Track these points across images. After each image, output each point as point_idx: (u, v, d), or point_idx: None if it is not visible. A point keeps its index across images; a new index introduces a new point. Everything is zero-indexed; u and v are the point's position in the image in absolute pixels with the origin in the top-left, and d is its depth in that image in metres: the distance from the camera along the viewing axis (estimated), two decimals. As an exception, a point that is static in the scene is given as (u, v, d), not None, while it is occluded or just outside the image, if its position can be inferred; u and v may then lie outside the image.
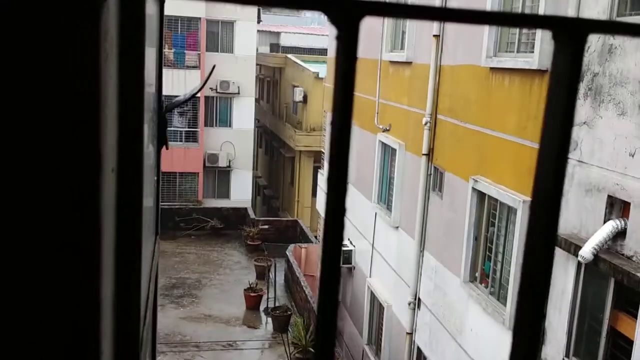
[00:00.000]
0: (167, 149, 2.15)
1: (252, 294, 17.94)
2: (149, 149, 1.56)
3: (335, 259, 0.43)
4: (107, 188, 0.63)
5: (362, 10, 0.40)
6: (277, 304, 17.66)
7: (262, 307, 18.01)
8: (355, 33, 0.40)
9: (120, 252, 0.78)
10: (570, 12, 6.96)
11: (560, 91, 0.45)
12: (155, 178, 1.99)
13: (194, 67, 25.83)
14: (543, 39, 7.50)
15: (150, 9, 1.50)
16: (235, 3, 0.39)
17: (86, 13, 0.50)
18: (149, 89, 1.57)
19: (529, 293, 0.47)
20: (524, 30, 8.25)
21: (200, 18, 25.76)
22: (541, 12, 7.51)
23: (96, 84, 0.53)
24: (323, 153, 18.59)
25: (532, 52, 7.82)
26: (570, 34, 0.45)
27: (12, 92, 0.51)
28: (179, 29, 25.89)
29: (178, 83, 24.57)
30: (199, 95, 25.63)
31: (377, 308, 13.37)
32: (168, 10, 24.26)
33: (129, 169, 0.79)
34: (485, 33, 8.81)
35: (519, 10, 8.31)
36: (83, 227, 0.56)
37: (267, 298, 17.91)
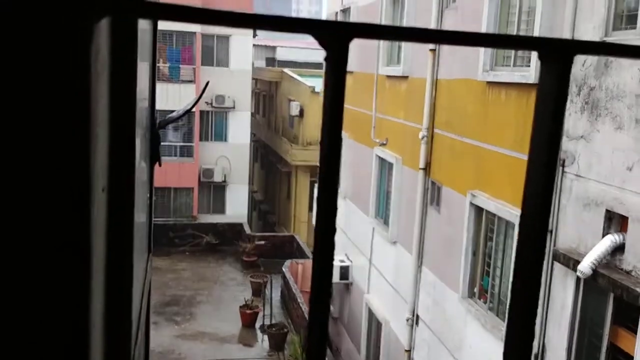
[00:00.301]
0: (159, 165, 2.11)
1: (248, 311, 17.79)
2: (141, 166, 1.54)
3: (326, 274, 0.43)
4: (98, 208, 0.61)
5: (350, 32, 0.41)
6: (273, 321, 17.52)
7: (258, 325, 17.86)
8: (344, 55, 0.41)
9: (111, 272, 0.76)
10: (566, 27, 6.98)
11: (547, 111, 0.46)
12: (148, 195, 1.95)
13: (189, 82, 25.86)
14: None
15: (144, 23, 1.48)
16: (227, 26, 0.38)
17: (78, 33, 0.50)
18: (142, 104, 1.55)
19: (520, 304, 0.48)
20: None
21: (195, 32, 25.84)
22: (537, 25, 7.53)
23: (86, 103, 0.53)
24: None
25: (529, 66, 7.84)
26: (557, 55, 0.46)
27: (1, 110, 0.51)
28: (174, 43, 25.96)
29: (173, 97, 24.57)
30: (194, 110, 25.63)
31: (375, 325, 13.27)
32: (163, 25, 24.36)
33: (120, 188, 0.79)
34: (482, 47, 8.81)
35: (516, 22, 8.34)
36: (72, 247, 0.55)
37: (263, 315, 17.77)
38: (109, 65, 0.70)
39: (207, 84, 4.13)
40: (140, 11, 0.38)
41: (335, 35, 0.40)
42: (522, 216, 0.49)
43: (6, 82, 0.50)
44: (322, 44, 0.40)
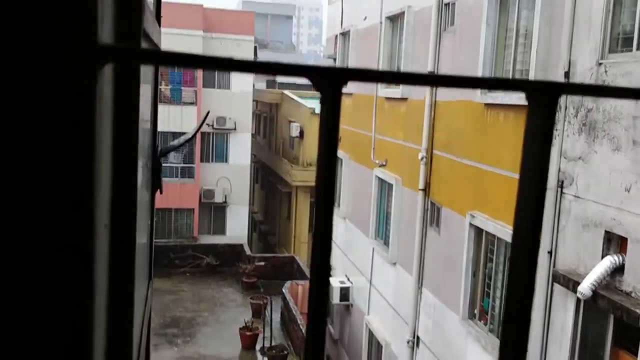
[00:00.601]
0: (161, 192, 2.14)
1: (248, 333, 17.68)
2: (142, 194, 1.56)
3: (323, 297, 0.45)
4: (100, 245, 0.63)
5: (344, 76, 0.42)
6: (273, 343, 17.40)
7: (258, 347, 17.73)
8: (337, 98, 0.42)
9: (112, 305, 0.77)
10: (563, 50, 7.05)
11: (534, 149, 0.48)
12: (149, 222, 1.97)
13: (191, 104, 26.00)
14: (537, 76, 7.58)
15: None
16: (226, 71, 0.40)
17: (83, 78, 0.52)
18: (144, 133, 1.58)
19: (513, 323, 0.49)
20: (518, 67, 8.35)
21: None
22: (533, 48, 7.61)
23: (90, 142, 0.54)
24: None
25: (526, 88, 7.88)
26: (542, 97, 0.48)
27: (4, 148, 0.52)
28: (175, 66, 26.11)
29: (175, 119, 24.69)
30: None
31: (375, 346, 13.19)
32: (164, 47, 24.47)
33: (122, 225, 0.80)
34: (480, 69, 8.91)
35: (513, 45, 8.42)
36: (74, 285, 0.56)
37: (263, 337, 17.65)
38: (112, 104, 0.72)
39: (207, 113, 4.21)
40: (141, 58, 0.40)
41: (330, 80, 0.42)
42: (511, 259, 0.50)
43: (16, 122, 0.52)
44: (317, 87, 0.42)
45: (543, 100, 0.48)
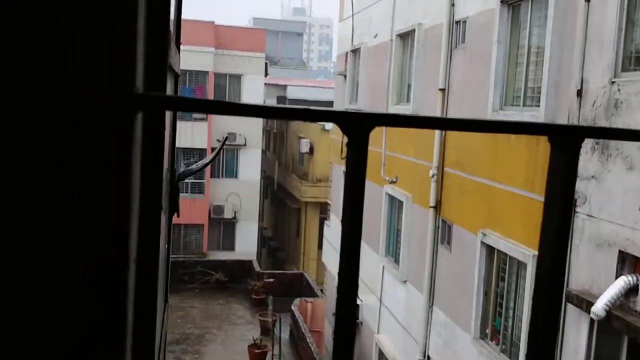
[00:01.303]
0: (178, 216, 2.13)
1: (257, 351, 17.58)
2: (162, 219, 1.58)
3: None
4: (130, 279, 0.64)
5: (371, 121, 0.44)
6: (282, 360, 17.28)
7: (266, 364, 17.63)
8: (364, 141, 0.44)
9: (136, 337, 0.77)
10: (575, 68, 7.02)
11: (557, 190, 0.48)
12: (166, 246, 1.97)
13: (201, 120, 26.15)
14: (549, 94, 7.55)
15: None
16: (246, 116, 0.40)
17: (123, 125, 0.55)
18: (164, 162, 1.60)
19: (538, 345, 0.49)
20: (530, 85, 8.33)
21: (208, 72, 26.23)
22: (545, 67, 7.58)
23: (127, 182, 0.57)
24: (329, 204, 18.56)
25: (538, 105, 7.87)
26: (566, 141, 0.48)
27: (46, 183, 0.55)
28: (187, 82, 26.35)
29: (185, 135, 24.83)
30: (205, 147, 25.83)
31: (384, 365, 13.05)
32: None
33: (147, 259, 0.81)
34: (491, 87, 8.89)
35: (525, 63, 8.40)
36: (110, 319, 0.59)
37: (272, 355, 17.53)
38: (141, 145, 0.74)
39: (226, 138, 4.24)
40: (167, 105, 0.40)
41: (358, 125, 0.42)
42: (534, 299, 0.51)
43: (62, 170, 0.55)
44: (345, 131, 0.43)
45: (566, 144, 0.48)
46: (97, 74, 0.52)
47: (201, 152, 26.22)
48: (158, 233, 0.92)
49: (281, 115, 0.40)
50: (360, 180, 0.42)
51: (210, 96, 26.34)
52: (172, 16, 1.84)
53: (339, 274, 0.44)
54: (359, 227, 0.42)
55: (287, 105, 0.41)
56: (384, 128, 13.40)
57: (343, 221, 0.43)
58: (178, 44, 2.06)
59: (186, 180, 26.62)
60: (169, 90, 1.57)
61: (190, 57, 25.11)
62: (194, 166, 3.15)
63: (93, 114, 0.52)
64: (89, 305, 0.56)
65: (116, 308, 0.57)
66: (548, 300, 0.49)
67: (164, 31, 0.91)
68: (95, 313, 0.56)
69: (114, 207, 0.55)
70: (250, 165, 27.69)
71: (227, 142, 26.81)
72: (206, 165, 3.22)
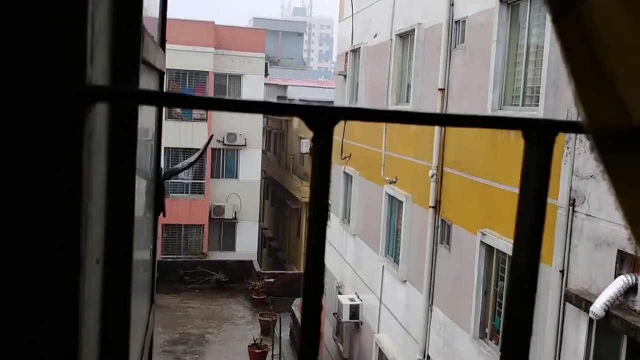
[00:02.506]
0: (164, 216, 2.13)
1: (257, 351, 17.58)
2: (145, 218, 1.56)
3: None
4: (90, 280, 0.63)
5: (336, 115, 0.43)
6: (282, 360, 17.29)
7: (267, 364, 17.64)
8: (329, 136, 0.44)
9: (106, 347, 0.76)
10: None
11: (531, 184, 0.48)
12: (151, 247, 1.97)
13: (201, 120, 26.15)
14: (548, 93, 7.55)
15: (148, 84, 1.53)
16: (223, 110, 0.40)
17: (70, 117, 0.53)
18: (147, 159, 1.58)
19: (513, 344, 0.49)
20: (529, 84, 8.33)
21: (207, 72, 26.23)
22: (544, 65, 7.58)
23: (77, 178, 0.54)
24: (330, 205, 18.54)
25: (537, 105, 7.87)
26: (539, 135, 0.48)
27: None
28: (187, 83, 26.35)
29: (185, 136, 24.83)
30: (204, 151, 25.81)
31: (384, 364, 13.06)
32: (176, 64, 24.80)
33: (116, 260, 0.80)
34: (490, 86, 8.89)
35: (524, 62, 8.40)
36: (60, 325, 0.55)
37: (272, 355, 17.54)
38: (108, 142, 0.73)
39: (211, 136, 4.28)
40: (126, 98, 0.40)
41: (322, 119, 0.42)
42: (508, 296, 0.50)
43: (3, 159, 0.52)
44: (310, 126, 0.43)
45: (541, 138, 0.48)
46: (40, 65, 0.50)
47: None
48: (130, 232, 0.91)
49: (242, 108, 0.40)
50: (325, 176, 0.42)
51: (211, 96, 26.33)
52: (155, 15, 1.84)
53: (305, 258, 0.44)
54: (325, 218, 0.42)
55: (249, 99, 0.41)
56: (383, 128, 13.40)
57: (310, 208, 0.43)
58: (163, 43, 2.06)
59: (186, 181, 26.64)
60: (149, 87, 1.57)
61: (190, 57, 25.12)
62: (179, 165, 3.15)
63: (37, 106, 0.51)
64: (33, 308, 0.54)
65: (66, 309, 0.55)
66: (523, 296, 0.49)
67: (135, 25, 0.90)
68: (40, 316, 0.54)
69: (63, 205, 0.53)
70: (251, 165, 27.69)
71: (227, 143, 26.81)
72: (192, 164, 3.21)
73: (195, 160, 3.15)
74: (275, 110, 0.40)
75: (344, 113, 0.42)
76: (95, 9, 0.57)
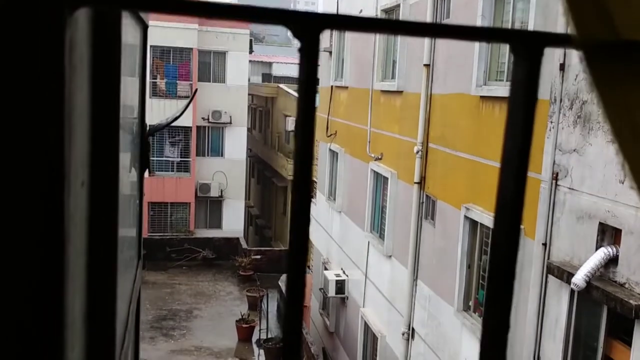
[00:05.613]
0: (149, 174, 2.14)
1: (244, 326, 17.72)
2: (131, 172, 1.55)
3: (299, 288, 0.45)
4: (76, 201, 0.62)
5: (321, 23, 0.41)
6: (269, 336, 17.45)
7: (254, 339, 17.78)
8: (315, 44, 0.42)
9: (93, 271, 0.76)
10: (560, 21, 7.03)
11: (519, 102, 0.47)
12: (138, 201, 1.97)
13: (186, 97, 25.92)
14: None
15: (133, 37, 1.50)
16: (203, 16, 0.39)
17: (50, 23, 0.51)
18: (131, 113, 1.57)
19: (494, 313, 0.48)
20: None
21: (192, 49, 25.96)
22: (531, 23, 7.58)
23: (58, 93, 0.52)
24: (315, 182, 18.58)
25: (521, 80, 7.88)
26: (528, 48, 0.46)
27: None
28: (171, 60, 26.06)
29: (170, 113, 24.56)
30: (190, 125, 25.68)
31: (370, 338, 13.22)
32: (160, 41, 24.50)
33: (103, 183, 0.78)
34: (475, 62, 8.90)
35: (510, 20, 8.39)
36: (46, 244, 0.54)
37: (260, 329, 17.69)
38: (90, 58, 0.70)
39: (195, 91, 4.22)
40: (113, 1, 0.39)
41: (307, 27, 0.41)
42: (495, 220, 0.50)
43: None
44: (295, 35, 0.41)
45: (529, 52, 0.46)
46: None
47: (186, 130, 26.06)
48: (116, 152, 0.90)
49: (219, 14, 0.39)
50: (311, 90, 0.41)
51: (195, 74, 26.12)
52: None
53: (292, 202, 0.44)
54: (311, 139, 0.42)
55: (227, 3, 0.41)
56: (369, 105, 13.39)
57: (295, 136, 0.43)
58: None
59: (172, 159, 26.50)
60: (136, 42, 1.56)
61: (174, 34, 24.82)
62: (163, 120, 3.15)
63: (15, 10, 0.48)
64: (19, 228, 0.52)
65: (52, 228, 0.53)
66: (504, 258, 0.49)
67: None
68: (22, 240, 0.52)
69: (44, 120, 0.51)
70: (236, 143, 27.57)
71: (212, 120, 26.65)
72: (176, 119, 3.21)
73: (180, 115, 3.15)
74: (260, 16, 0.40)
75: (330, 21, 0.42)
76: None
